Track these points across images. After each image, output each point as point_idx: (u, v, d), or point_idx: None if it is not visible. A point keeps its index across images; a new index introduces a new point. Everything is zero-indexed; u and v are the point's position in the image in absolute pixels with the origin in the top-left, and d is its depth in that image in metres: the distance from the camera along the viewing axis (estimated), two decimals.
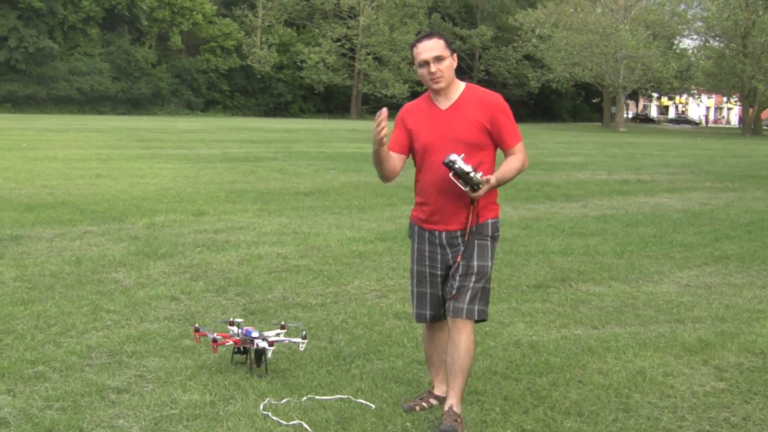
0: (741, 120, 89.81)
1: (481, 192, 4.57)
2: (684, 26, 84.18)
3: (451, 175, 4.54)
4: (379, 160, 4.75)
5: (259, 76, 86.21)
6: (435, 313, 5.01)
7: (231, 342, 5.71)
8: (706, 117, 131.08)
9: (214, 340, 5.66)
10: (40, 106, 73.49)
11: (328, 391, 5.31)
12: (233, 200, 14.94)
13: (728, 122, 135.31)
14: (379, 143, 4.59)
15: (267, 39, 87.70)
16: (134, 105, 78.88)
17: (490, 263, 4.82)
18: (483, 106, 4.75)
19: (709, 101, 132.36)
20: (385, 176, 4.86)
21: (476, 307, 4.76)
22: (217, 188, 16.79)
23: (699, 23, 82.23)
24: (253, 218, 12.80)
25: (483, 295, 4.81)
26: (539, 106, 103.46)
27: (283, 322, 6.16)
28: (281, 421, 4.77)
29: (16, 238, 10.47)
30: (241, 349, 5.69)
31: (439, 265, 4.89)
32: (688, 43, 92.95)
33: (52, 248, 9.90)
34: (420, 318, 5.08)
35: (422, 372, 5.76)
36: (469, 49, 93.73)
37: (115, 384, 5.35)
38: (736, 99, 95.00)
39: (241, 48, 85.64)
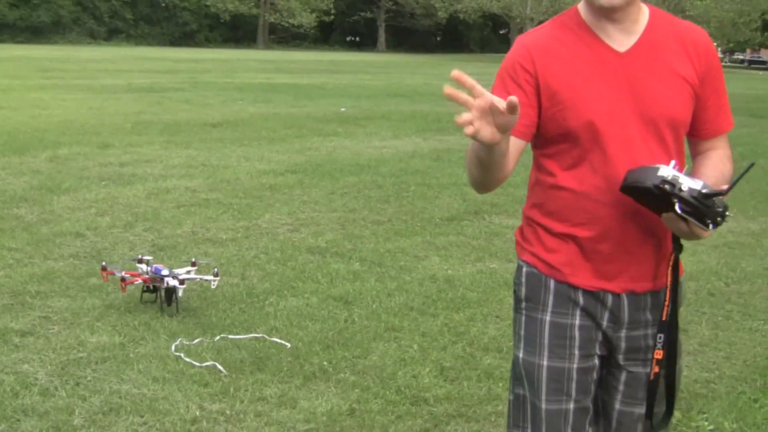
0: None
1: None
2: None
3: (677, 208, 2.14)
4: (489, 163, 2.33)
5: (163, 4, 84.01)
6: None
7: (140, 281, 5.57)
8: None
9: (123, 279, 5.49)
10: None
11: (242, 330, 5.21)
12: (139, 132, 14.57)
13: None
14: (489, 139, 2.12)
15: None
16: (34, 33, 76.41)
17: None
18: (692, 50, 2.39)
19: None
20: (490, 184, 2.51)
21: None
22: (122, 119, 16.34)
23: None
24: (160, 150, 12.51)
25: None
26: (447, 36, 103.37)
27: (194, 259, 6.03)
28: (194, 363, 4.64)
29: None
30: (151, 287, 5.56)
31: (597, 352, 2.51)
32: None
33: None
34: None
35: (338, 309, 5.69)
36: None
37: (18, 326, 5.16)
38: None
39: None
